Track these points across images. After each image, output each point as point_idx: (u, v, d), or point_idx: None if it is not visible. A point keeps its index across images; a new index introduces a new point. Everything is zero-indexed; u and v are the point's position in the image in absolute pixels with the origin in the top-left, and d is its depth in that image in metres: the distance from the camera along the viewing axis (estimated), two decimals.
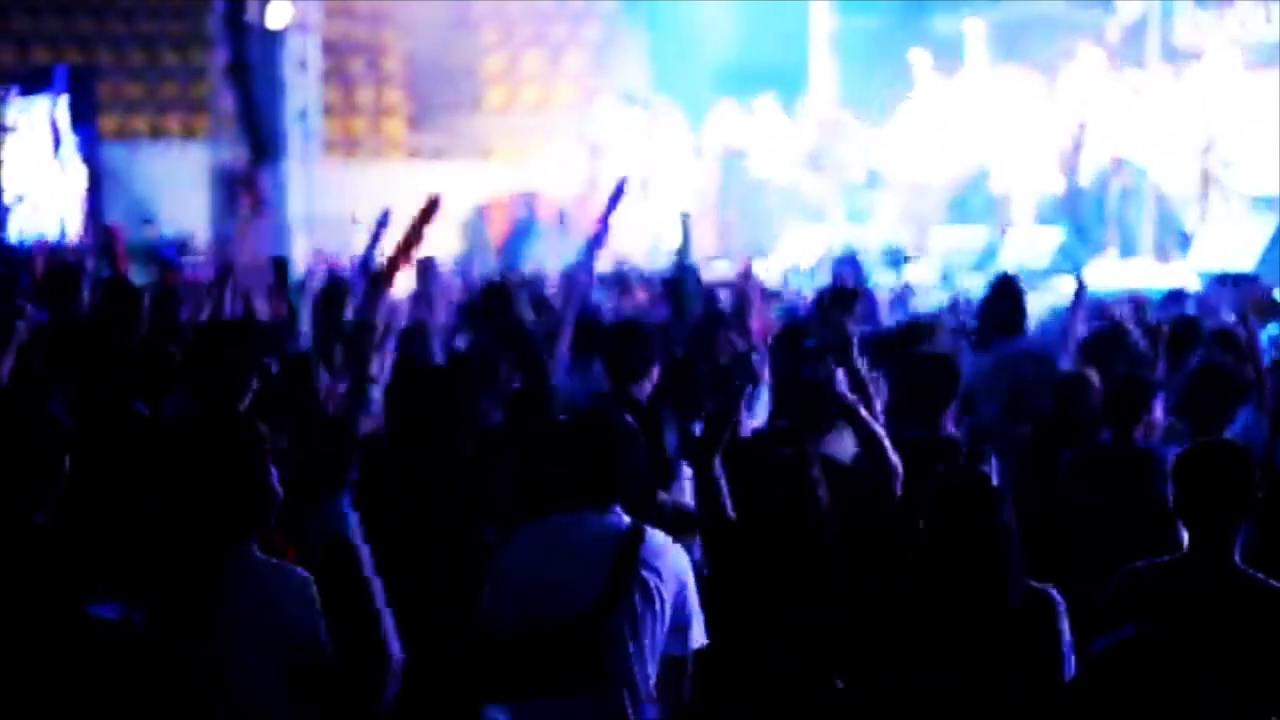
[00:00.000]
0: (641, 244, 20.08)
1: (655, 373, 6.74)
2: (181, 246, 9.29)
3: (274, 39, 21.25)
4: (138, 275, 9.28)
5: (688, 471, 6.51)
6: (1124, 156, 17.43)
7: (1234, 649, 4.18)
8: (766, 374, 7.20)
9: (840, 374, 5.37)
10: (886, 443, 5.34)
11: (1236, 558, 4.46)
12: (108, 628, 3.80)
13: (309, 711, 4.20)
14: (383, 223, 8.27)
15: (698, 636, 4.77)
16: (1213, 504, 4.46)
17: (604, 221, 8.65)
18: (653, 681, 4.70)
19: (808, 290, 12.35)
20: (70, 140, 18.49)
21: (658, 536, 4.76)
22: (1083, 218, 17.69)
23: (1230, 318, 8.95)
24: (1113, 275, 15.44)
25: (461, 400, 5.87)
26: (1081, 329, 8.29)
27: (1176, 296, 11.94)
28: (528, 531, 4.88)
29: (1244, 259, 15.18)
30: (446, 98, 23.87)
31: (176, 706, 3.69)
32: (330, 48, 22.78)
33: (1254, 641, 4.30)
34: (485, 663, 4.71)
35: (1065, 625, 4.33)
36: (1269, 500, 4.61)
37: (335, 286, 8.37)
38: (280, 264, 8.47)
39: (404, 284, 8.08)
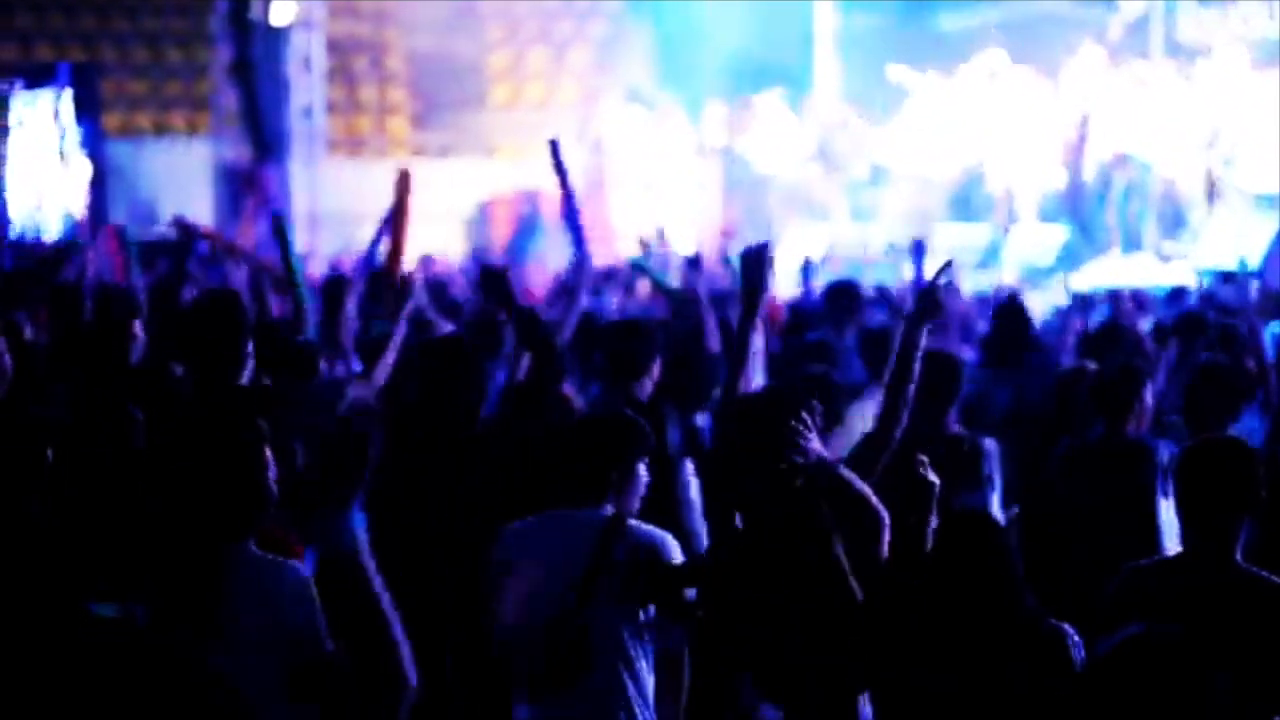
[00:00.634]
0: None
1: (656, 370, 6.73)
2: (187, 230, 9.24)
3: (278, 36, 21.29)
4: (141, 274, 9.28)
5: (690, 469, 6.53)
6: (1128, 152, 17.42)
7: (1236, 647, 4.16)
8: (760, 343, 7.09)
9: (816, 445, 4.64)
10: (872, 499, 4.70)
11: (1238, 555, 4.44)
12: (109, 625, 3.81)
13: (309, 711, 4.20)
14: (388, 220, 8.32)
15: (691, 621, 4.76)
16: (1214, 501, 4.42)
17: (566, 191, 8.61)
18: (652, 661, 4.70)
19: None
20: (74, 136, 18.49)
21: (641, 526, 4.77)
22: (1085, 214, 17.67)
23: (1234, 315, 8.93)
24: (1115, 272, 15.43)
25: (471, 365, 5.93)
26: (1079, 324, 8.28)
27: (1179, 294, 11.92)
28: (521, 528, 4.89)
29: (1248, 256, 15.16)
30: (451, 95, 23.87)
31: (178, 704, 3.69)
32: (334, 45, 22.81)
33: (1256, 639, 4.28)
34: (502, 663, 4.74)
35: (1079, 656, 4.25)
36: (1271, 498, 4.58)
37: (337, 280, 8.37)
38: (278, 221, 8.48)
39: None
